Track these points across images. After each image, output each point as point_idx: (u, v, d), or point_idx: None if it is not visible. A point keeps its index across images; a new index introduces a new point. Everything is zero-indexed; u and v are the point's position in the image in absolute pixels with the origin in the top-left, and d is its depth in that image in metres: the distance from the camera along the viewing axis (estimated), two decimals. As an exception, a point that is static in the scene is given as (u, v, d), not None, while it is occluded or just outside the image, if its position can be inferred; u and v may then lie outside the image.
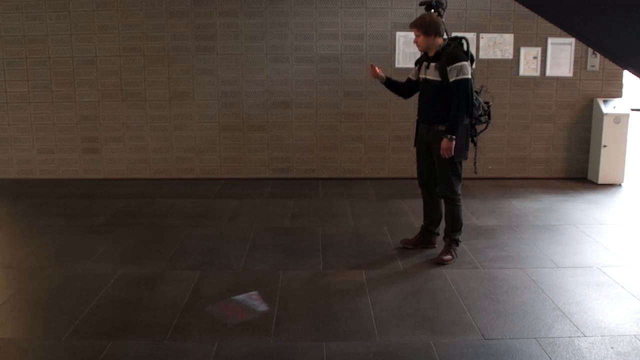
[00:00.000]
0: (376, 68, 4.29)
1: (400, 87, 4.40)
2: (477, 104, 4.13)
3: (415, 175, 4.48)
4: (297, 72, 6.81)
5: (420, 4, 4.16)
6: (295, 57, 6.78)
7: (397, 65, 6.69)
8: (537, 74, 6.83)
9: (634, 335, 3.09)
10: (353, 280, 3.87)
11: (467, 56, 3.98)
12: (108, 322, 3.28)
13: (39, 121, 6.93)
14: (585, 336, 3.09)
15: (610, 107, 6.65)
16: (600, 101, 6.74)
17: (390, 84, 4.37)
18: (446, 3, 4.13)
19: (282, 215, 5.44)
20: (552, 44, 6.75)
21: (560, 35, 6.64)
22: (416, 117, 4.34)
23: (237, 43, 6.75)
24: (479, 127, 4.24)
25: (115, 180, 6.94)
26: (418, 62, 4.28)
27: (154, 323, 3.26)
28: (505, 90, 6.84)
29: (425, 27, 3.97)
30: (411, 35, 4.31)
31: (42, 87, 6.85)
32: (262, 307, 3.47)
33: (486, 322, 3.24)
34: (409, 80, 4.37)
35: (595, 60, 6.79)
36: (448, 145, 3.94)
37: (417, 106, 4.31)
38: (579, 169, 7.03)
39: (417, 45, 4.10)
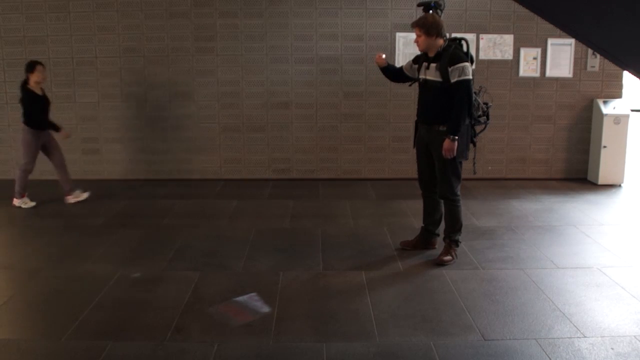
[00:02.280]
0: (382, 58, 4.35)
1: (392, 71, 4.49)
2: (476, 105, 4.14)
3: (415, 175, 4.48)
4: (297, 72, 6.82)
5: (418, 5, 4.17)
6: (295, 57, 6.79)
7: (397, 67, 6.68)
8: (537, 74, 6.83)
9: (634, 336, 3.09)
10: (353, 281, 3.87)
11: (468, 57, 3.99)
12: (108, 322, 3.28)
13: (38, 122, 6.92)
14: (585, 337, 3.09)
15: (610, 108, 6.65)
16: (600, 102, 6.75)
17: (386, 68, 4.43)
18: (444, 4, 4.13)
19: (282, 216, 5.44)
20: (552, 44, 6.75)
21: (560, 36, 6.64)
22: (415, 118, 4.35)
23: (237, 44, 6.76)
24: (477, 128, 4.25)
25: (115, 181, 6.94)
26: (416, 61, 4.28)
27: (154, 324, 3.26)
28: (505, 91, 6.84)
29: (427, 27, 3.97)
30: (411, 35, 4.32)
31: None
32: (264, 308, 3.47)
33: (486, 323, 3.24)
34: (401, 69, 4.47)
35: (595, 61, 6.80)
36: (450, 145, 3.94)
37: (416, 107, 4.32)
38: (579, 170, 7.03)
39: (418, 45, 4.11)
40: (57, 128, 5.83)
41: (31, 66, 5.62)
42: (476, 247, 4.50)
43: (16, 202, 5.82)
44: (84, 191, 6.06)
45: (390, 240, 4.69)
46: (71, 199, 5.95)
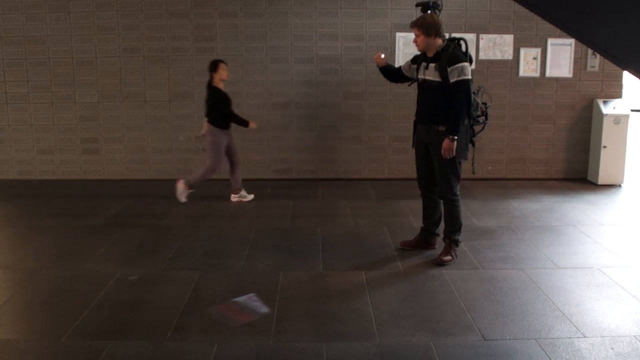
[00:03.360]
0: (382, 58, 4.36)
1: (391, 71, 4.49)
2: (475, 105, 4.14)
3: (414, 175, 4.48)
4: (297, 72, 6.81)
5: (417, 5, 4.18)
6: (295, 57, 6.79)
7: (396, 66, 6.68)
8: (537, 74, 6.83)
9: (634, 336, 3.09)
10: (353, 281, 3.87)
11: (466, 57, 3.99)
12: (108, 322, 3.28)
13: (38, 122, 6.93)
14: (585, 337, 3.09)
15: (610, 108, 6.65)
16: (600, 102, 6.75)
17: (385, 68, 4.44)
18: (442, 4, 4.14)
19: (282, 216, 5.44)
20: (552, 44, 6.75)
21: (560, 36, 6.64)
22: (414, 118, 4.36)
23: (237, 44, 6.76)
24: (476, 128, 4.26)
25: (115, 181, 6.93)
26: (415, 61, 4.28)
27: (154, 324, 3.25)
28: (505, 91, 6.84)
29: (426, 27, 3.98)
30: (411, 35, 4.31)
31: (41, 87, 6.85)
32: (263, 308, 3.47)
33: (486, 323, 3.24)
34: (400, 69, 4.47)
35: (595, 61, 6.80)
36: (450, 145, 3.95)
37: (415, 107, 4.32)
38: (578, 170, 7.03)
39: (417, 45, 4.11)
40: (245, 123, 5.78)
41: (214, 65, 5.67)
42: (476, 247, 4.50)
43: (180, 187, 5.89)
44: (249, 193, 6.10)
45: (390, 240, 4.69)
46: (236, 198, 6.02)
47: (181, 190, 5.89)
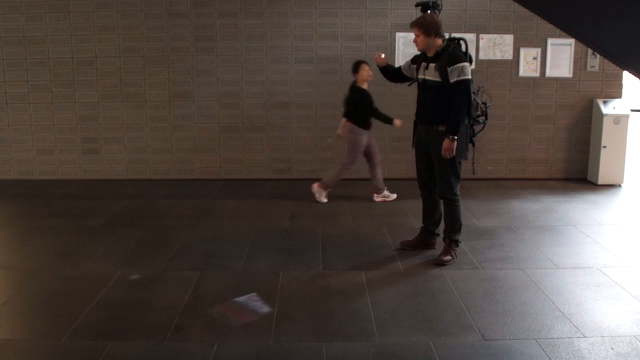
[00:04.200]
0: (382, 58, 4.41)
1: (391, 71, 4.51)
2: (475, 105, 4.14)
3: (414, 175, 4.48)
4: (297, 72, 6.81)
5: (416, 5, 4.18)
6: (295, 57, 6.79)
7: (396, 66, 6.68)
8: (537, 74, 6.83)
9: (634, 336, 3.09)
10: (353, 281, 3.87)
11: (466, 57, 3.99)
12: (108, 322, 3.28)
13: (38, 122, 6.93)
14: (585, 337, 3.09)
15: (610, 108, 6.65)
16: (600, 102, 6.75)
17: (385, 68, 4.47)
18: (442, 4, 4.14)
19: (282, 216, 5.44)
20: (551, 44, 6.75)
21: (560, 36, 6.64)
22: (414, 118, 4.36)
23: (237, 44, 6.76)
24: (476, 128, 4.26)
25: (115, 181, 6.94)
26: (415, 61, 4.29)
27: (154, 324, 3.25)
28: (505, 91, 6.84)
29: (425, 27, 3.98)
30: (411, 35, 4.32)
31: (41, 87, 6.85)
32: (264, 308, 3.47)
33: (486, 323, 3.24)
34: (400, 69, 4.49)
35: (595, 61, 6.80)
36: (450, 145, 3.95)
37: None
38: (578, 170, 7.03)
39: (416, 45, 4.11)
40: (390, 120, 5.73)
41: (356, 66, 5.70)
42: (476, 247, 4.50)
43: (316, 190, 5.94)
44: (392, 192, 6.09)
45: (390, 240, 4.69)
46: (379, 198, 6.02)
47: (318, 192, 5.92)
